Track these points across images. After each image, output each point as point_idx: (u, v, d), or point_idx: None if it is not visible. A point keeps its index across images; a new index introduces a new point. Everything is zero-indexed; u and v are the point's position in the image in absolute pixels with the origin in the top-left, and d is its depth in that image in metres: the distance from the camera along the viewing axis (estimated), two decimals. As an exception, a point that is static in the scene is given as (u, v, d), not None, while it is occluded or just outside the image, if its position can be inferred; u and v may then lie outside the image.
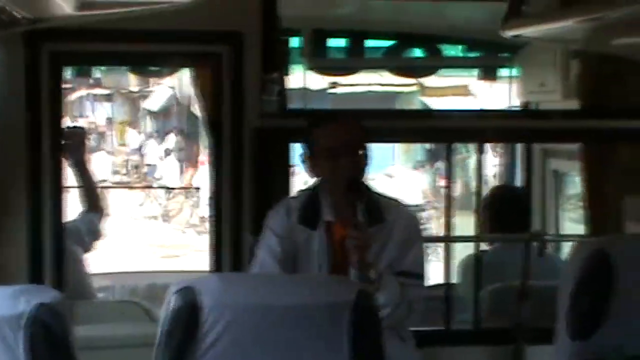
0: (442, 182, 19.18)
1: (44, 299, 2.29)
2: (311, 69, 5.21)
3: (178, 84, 20.80)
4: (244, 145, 4.12)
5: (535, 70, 5.12)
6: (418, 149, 20.11)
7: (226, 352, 2.32)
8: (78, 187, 4.82)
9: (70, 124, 4.63)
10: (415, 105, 17.69)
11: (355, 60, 5.31)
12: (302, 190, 3.63)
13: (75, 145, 4.65)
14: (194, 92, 4.22)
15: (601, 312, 2.83)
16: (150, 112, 23.96)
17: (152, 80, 20.92)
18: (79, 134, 4.86)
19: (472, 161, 17.89)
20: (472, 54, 5.52)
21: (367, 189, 3.53)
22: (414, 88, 18.08)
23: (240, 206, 4.14)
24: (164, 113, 23.64)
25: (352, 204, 3.35)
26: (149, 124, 24.30)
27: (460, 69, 6.74)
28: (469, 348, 4.29)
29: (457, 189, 19.01)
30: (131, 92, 23.74)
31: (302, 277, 3.07)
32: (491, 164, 15.42)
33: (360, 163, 3.46)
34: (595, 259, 2.84)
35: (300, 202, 3.54)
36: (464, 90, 17.13)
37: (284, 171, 4.19)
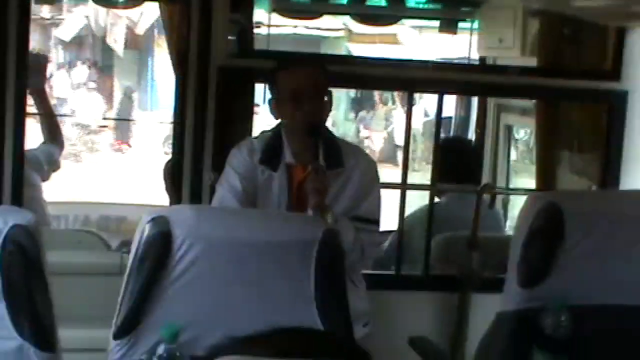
0: (367, 132, 19.11)
1: (19, 219, 2.34)
2: (275, 11, 5.23)
3: (93, 13, 19.54)
4: (209, 83, 4.16)
5: (494, 27, 5.20)
6: (342, 98, 19.76)
7: (195, 282, 2.39)
8: (38, 115, 4.84)
9: (32, 51, 4.58)
10: (341, 51, 17.09)
11: (319, 4, 5.35)
12: (265, 132, 3.66)
13: (35, 72, 4.63)
14: (163, 25, 4.22)
15: (550, 261, 2.96)
16: (62, 42, 22.47)
17: (64, 7, 20.16)
18: (41, 60, 4.85)
19: (396, 113, 17.81)
20: (433, 5, 5.58)
21: (328, 133, 3.60)
22: (340, 33, 17.49)
23: (202, 143, 4.19)
24: (76, 43, 22.32)
25: (312, 148, 3.40)
26: (60, 54, 22.71)
27: (421, 19, 6.80)
28: (418, 293, 4.42)
29: (381, 141, 18.92)
30: (43, 19, 21.69)
31: (273, 213, 3.14)
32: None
33: (323, 108, 3.49)
34: (547, 211, 2.96)
35: (262, 143, 3.57)
36: (392, 39, 16.70)
37: (247, 111, 4.24)
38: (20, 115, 4.09)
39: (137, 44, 20.47)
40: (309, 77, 3.47)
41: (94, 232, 4.43)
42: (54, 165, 4.87)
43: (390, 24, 5.64)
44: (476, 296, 4.32)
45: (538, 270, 2.96)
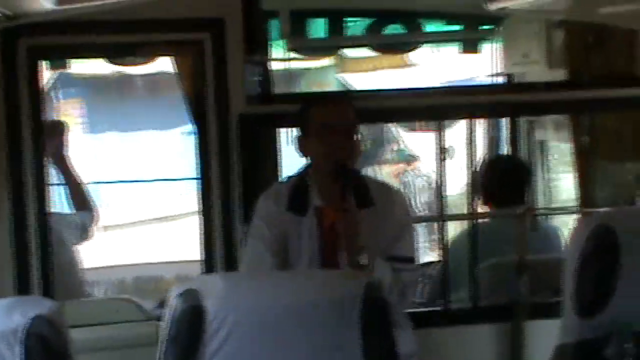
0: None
1: (39, 310, 2.20)
2: (291, 50, 5.12)
3: None
4: (230, 132, 4.05)
5: (518, 42, 5.05)
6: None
7: (233, 355, 2.24)
8: (64, 185, 4.71)
9: (47, 118, 4.44)
10: (331, 84, 13.67)
11: (335, 39, 5.23)
12: (290, 176, 3.56)
13: (52, 140, 4.47)
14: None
15: (608, 288, 2.78)
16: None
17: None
18: (56, 128, 4.69)
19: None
20: (453, 28, 5.43)
21: (357, 172, 3.49)
22: (326, 62, 14.43)
23: (229, 195, 4.07)
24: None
25: (342, 188, 3.28)
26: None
27: (442, 44, 6.65)
28: (468, 327, 4.24)
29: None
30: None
31: (307, 273, 2.99)
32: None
33: (354, 147, 3.40)
34: (599, 234, 2.77)
35: (288, 188, 3.48)
36: (399, 61, 13.52)
37: (272, 157, 4.13)
38: (41, 186, 4.00)
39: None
40: (343, 113, 3.39)
41: (128, 299, 4.28)
42: (85, 234, 4.73)
43: (410, 51, 5.51)
44: (530, 323, 4.15)
45: (596, 298, 2.79)
